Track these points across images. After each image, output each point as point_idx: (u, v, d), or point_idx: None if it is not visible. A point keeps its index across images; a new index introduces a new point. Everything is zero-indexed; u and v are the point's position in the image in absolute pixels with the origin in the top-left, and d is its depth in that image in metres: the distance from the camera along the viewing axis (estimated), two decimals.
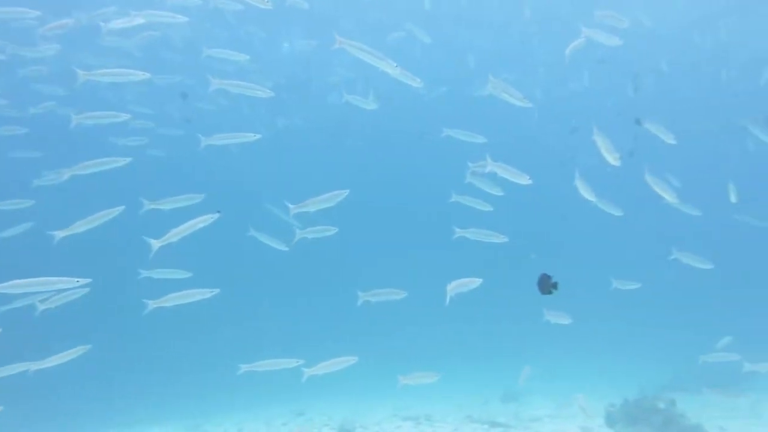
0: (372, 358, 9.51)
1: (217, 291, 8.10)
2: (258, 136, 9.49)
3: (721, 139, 23.48)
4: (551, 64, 21.80)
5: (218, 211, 7.50)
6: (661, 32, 20.03)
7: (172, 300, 8.09)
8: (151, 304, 8.14)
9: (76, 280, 6.91)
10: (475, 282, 8.46)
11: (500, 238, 9.72)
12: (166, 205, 9.03)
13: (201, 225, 7.53)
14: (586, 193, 9.77)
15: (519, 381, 10.99)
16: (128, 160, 8.71)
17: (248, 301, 24.81)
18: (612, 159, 8.40)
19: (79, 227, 7.82)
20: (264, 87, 9.86)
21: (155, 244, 7.76)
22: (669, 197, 9.60)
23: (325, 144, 26.76)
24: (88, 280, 7.11)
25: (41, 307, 8.19)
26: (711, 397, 15.42)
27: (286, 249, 12.38)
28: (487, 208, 11.07)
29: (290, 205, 8.78)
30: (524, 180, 9.11)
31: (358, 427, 12.43)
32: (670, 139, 10.86)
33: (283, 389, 18.86)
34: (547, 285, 6.38)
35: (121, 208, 7.93)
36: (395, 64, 7.98)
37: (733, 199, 12.30)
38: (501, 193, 11.55)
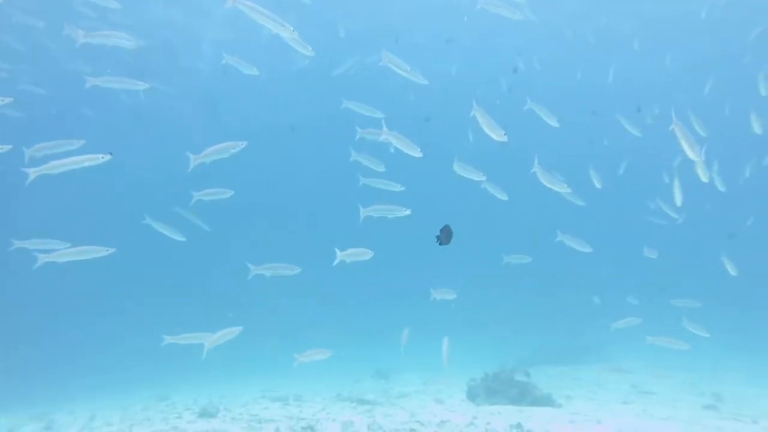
0: (244, 340, 9.15)
1: (113, 250, 7.76)
2: (146, 85, 9.43)
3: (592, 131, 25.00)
4: (424, 47, 22.12)
5: (110, 153, 7.20)
6: (538, 26, 20.98)
7: (65, 255, 7.72)
8: (42, 258, 7.66)
9: None
10: (367, 253, 9.05)
11: (404, 212, 9.57)
12: (44, 151, 8.33)
13: (87, 163, 7.25)
14: (472, 174, 9.91)
15: (401, 344, 11.09)
16: None
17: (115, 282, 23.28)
18: (496, 135, 8.37)
19: None
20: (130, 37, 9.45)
21: (32, 172, 7.39)
22: (560, 188, 9.90)
23: (194, 113, 25.34)
24: None
25: None
26: (563, 368, 16.83)
27: (183, 239, 12.06)
28: (398, 188, 10.91)
29: (191, 155, 8.48)
30: (416, 152, 9.07)
31: (222, 409, 11.93)
32: (553, 122, 11.37)
33: (147, 375, 17.96)
34: (447, 236, 6.77)
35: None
36: (292, 29, 7.74)
37: (597, 184, 13.29)
38: (383, 169, 11.66)
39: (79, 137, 8.54)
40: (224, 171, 10.15)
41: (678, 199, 10.94)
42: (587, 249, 12.36)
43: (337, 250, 8.92)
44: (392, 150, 9.86)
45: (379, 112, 11.89)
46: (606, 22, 22.96)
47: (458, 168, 9.89)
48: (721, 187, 13.04)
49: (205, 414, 11.47)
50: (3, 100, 8.13)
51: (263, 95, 23.97)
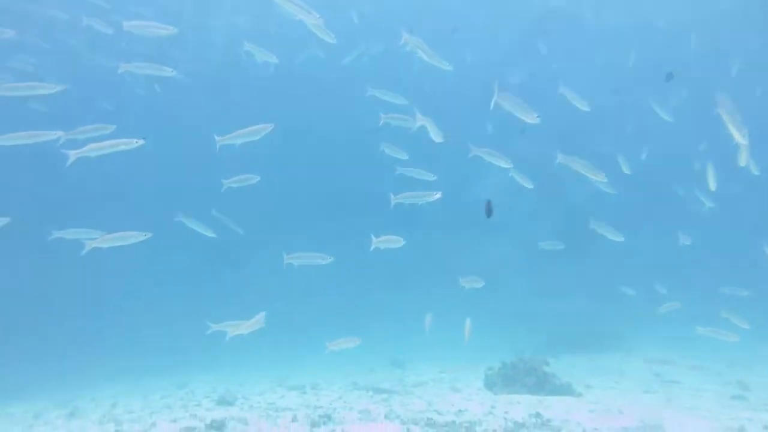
0: (265, 330, 9.21)
1: (150, 234, 8.19)
2: (174, 72, 9.91)
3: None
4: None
5: (144, 138, 7.49)
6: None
7: (109, 241, 8.17)
8: (89, 244, 8.10)
9: None
10: (400, 241, 9.48)
11: (435, 196, 9.41)
12: (77, 135, 8.73)
13: (123, 147, 7.56)
14: (500, 161, 9.72)
15: (425, 329, 11.16)
16: None
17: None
18: (529, 118, 8.17)
19: None
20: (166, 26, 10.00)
21: (73, 154, 7.66)
22: (596, 176, 9.71)
23: (206, 103, 25.29)
24: None
25: None
26: (582, 357, 16.54)
27: (214, 236, 12.52)
28: (431, 177, 10.94)
29: (217, 137, 8.71)
30: (440, 138, 9.19)
31: (240, 397, 11.97)
32: (584, 107, 11.10)
33: (165, 363, 18.16)
34: (490, 209, 7.36)
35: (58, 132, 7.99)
36: (318, 16, 7.87)
37: (625, 170, 13.04)
38: (406, 157, 11.63)
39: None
40: (228, 163, 10.18)
41: (712, 184, 10.73)
42: (620, 238, 12.07)
43: (372, 237, 9.30)
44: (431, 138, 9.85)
45: (402, 98, 11.99)
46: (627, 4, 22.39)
47: (484, 154, 9.71)
48: (755, 171, 12.67)
49: (223, 402, 11.52)
50: (55, 87, 8.43)
51: (272, 86, 23.88)
